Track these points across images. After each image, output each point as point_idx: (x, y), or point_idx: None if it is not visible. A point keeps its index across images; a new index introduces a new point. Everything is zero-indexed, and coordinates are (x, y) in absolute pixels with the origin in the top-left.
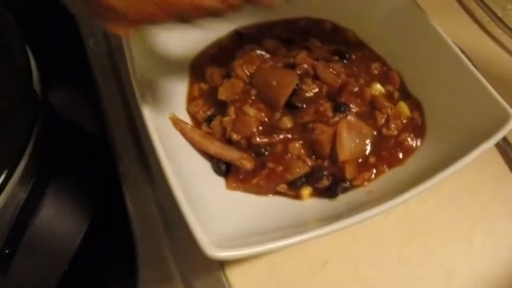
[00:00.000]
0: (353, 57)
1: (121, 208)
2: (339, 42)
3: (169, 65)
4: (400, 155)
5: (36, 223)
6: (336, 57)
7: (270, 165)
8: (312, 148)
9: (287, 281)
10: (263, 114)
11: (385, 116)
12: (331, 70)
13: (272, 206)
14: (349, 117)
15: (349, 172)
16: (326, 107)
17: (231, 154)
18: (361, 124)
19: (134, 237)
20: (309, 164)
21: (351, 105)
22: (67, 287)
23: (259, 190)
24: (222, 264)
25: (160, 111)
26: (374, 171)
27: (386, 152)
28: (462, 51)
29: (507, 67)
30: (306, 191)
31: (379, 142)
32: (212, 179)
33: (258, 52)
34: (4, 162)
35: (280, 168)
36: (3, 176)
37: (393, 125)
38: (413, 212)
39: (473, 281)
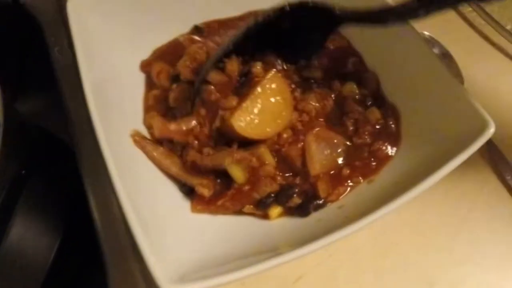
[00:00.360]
0: (331, 47)
1: (90, 223)
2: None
3: (126, 72)
4: (374, 165)
5: (6, 245)
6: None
7: (236, 185)
8: (287, 164)
9: None
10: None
11: (353, 120)
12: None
13: (238, 229)
14: (316, 129)
15: (322, 190)
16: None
17: (190, 178)
18: (331, 134)
19: (104, 255)
20: (279, 181)
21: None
22: None
23: (225, 212)
24: None
25: (120, 127)
26: (350, 183)
27: (360, 162)
28: (439, 43)
29: (488, 57)
30: (275, 210)
31: (352, 151)
32: (178, 201)
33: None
34: None
35: (247, 187)
36: None
37: (365, 132)
38: (389, 221)
39: None
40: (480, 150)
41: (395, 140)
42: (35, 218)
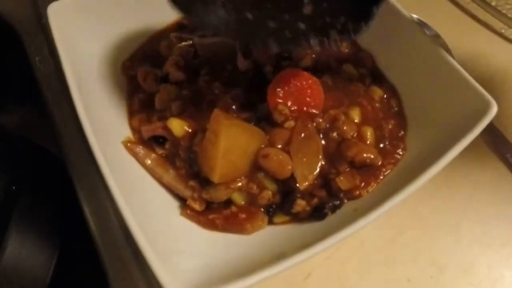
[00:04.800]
0: None
1: (87, 233)
2: None
3: (107, 76)
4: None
5: (2, 264)
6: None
7: (234, 208)
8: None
9: None
10: None
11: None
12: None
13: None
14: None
15: (342, 182)
16: None
17: (182, 191)
18: None
19: (104, 264)
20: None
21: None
22: None
23: (212, 228)
24: None
25: (109, 132)
26: (383, 173)
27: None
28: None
29: (476, 35)
30: (280, 219)
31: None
32: (175, 209)
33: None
34: None
35: (243, 216)
36: None
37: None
38: (393, 209)
39: (463, 275)
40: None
41: (402, 121)
42: (30, 233)
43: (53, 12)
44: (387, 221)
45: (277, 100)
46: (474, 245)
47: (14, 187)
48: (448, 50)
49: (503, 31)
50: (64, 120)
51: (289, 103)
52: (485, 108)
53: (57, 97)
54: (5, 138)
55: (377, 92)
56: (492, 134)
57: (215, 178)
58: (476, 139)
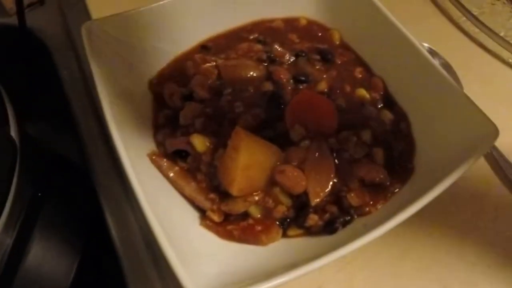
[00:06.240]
0: (338, 61)
1: (108, 242)
2: (321, 41)
3: (135, 93)
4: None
5: (25, 267)
6: (317, 56)
7: (251, 221)
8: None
9: None
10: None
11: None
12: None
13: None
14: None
15: (352, 199)
16: None
17: (203, 202)
18: None
19: (123, 272)
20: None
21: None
22: None
23: (229, 238)
24: None
25: (135, 145)
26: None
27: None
28: (438, 54)
29: (485, 64)
30: (293, 232)
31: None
32: (190, 214)
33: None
34: None
35: (259, 228)
36: None
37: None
38: (403, 227)
39: None
40: (484, 155)
41: (411, 143)
42: (53, 239)
43: (86, 30)
44: (395, 238)
45: (294, 120)
46: (477, 265)
47: (39, 194)
48: (456, 78)
49: (510, 60)
50: (90, 130)
51: (305, 124)
52: (489, 133)
53: (83, 107)
54: (33, 147)
55: (388, 116)
56: (496, 158)
57: (234, 191)
58: (481, 163)
